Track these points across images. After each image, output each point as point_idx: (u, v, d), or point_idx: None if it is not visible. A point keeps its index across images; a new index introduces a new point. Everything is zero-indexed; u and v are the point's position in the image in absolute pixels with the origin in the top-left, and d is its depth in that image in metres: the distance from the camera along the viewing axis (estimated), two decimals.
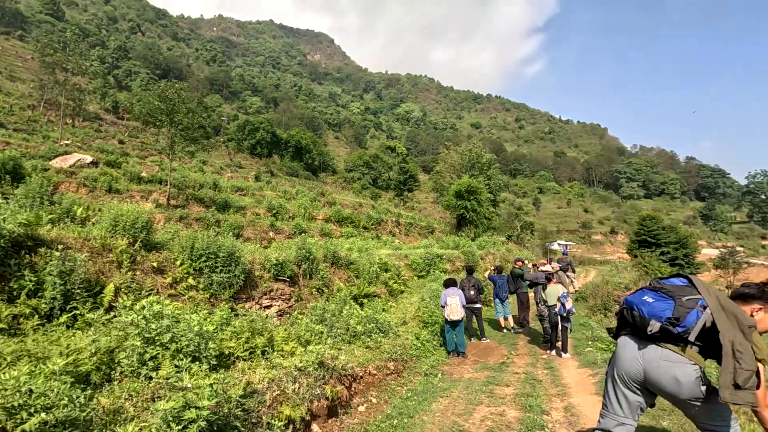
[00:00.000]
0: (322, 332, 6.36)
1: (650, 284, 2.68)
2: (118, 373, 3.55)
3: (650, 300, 2.55)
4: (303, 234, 15.93)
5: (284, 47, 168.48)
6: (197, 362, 3.66)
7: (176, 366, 3.47)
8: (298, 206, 26.27)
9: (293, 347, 5.32)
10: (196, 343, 3.78)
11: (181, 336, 3.84)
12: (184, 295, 7.05)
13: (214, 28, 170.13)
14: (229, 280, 7.72)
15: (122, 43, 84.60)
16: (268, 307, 8.50)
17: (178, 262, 7.47)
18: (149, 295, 6.11)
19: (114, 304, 5.31)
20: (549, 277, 8.50)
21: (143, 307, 3.98)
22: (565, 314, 7.69)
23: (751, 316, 2.44)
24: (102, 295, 5.63)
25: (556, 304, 7.87)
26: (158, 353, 3.65)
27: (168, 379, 3.24)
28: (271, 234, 18.87)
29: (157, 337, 3.69)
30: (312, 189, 39.00)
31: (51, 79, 36.21)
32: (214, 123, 65.69)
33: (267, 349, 5.01)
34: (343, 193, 44.35)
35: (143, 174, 22.60)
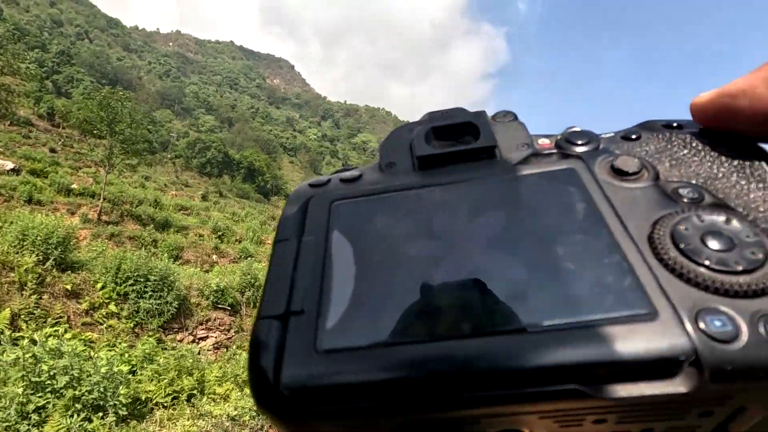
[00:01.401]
0: None
1: None
2: None
3: None
4: (250, 258, 14.97)
5: (243, 69, 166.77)
6: (101, 413, 2.93)
7: (71, 419, 2.74)
8: (246, 229, 25.03)
9: (228, 389, 4.60)
10: (101, 389, 3.04)
11: (85, 379, 3.10)
12: (101, 324, 6.08)
13: (171, 43, 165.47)
14: (160, 307, 6.81)
15: (66, 48, 79.62)
16: (204, 338, 7.60)
17: (99, 285, 6.50)
18: (57, 323, 5.16)
19: None
20: None
21: (34, 342, 3.19)
22: None
23: None
24: None
25: None
26: (48, 402, 2.88)
27: None
28: (214, 257, 17.62)
29: (48, 382, 2.92)
30: (263, 212, 37.62)
31: None
32: (163, 138, 62.50)
33: (195, 392, 4.28)
34: None
35: (74, 186, 20.56)
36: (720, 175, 0.22)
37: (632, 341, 0.15)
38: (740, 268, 0.17)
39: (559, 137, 0.25)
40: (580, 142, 0.24)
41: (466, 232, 0.21)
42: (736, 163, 0.22)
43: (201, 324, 7.63)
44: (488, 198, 0.22)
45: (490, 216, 0.22)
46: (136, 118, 19.77)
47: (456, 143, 0.26)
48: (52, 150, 35.77)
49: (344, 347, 0.17)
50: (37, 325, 4.90)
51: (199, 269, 11.77)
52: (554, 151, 0.24)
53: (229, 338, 7.83)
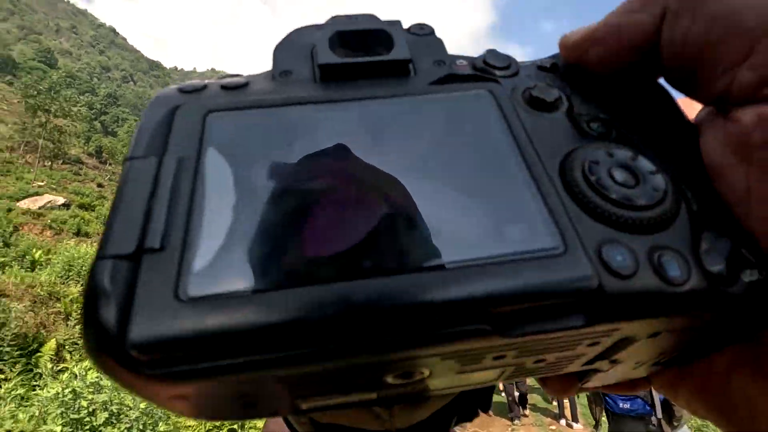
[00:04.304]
0: None
1: None
2: None
3: None
4: None
5: None
6: None
7: None
8: None
9: None
10: (140, 426, 2.89)
11: (125, 414, 2.95)
12: None
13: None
14: None
15: (113, 90, 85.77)
16: None
17: None
18: None
19: (37, 369, 4.31)
20: None
21: (75, 376, 3.09)
22: None
23: None
24: (39, 354, 4.65)
25: None
26: None
27: None
28: None
29: (87, 419, 2.79)
30: None
31: (33, 121, 35.79)
32: None
33: (236, 427, 4.06)
34: None
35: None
36: (625, 110, 0.22)
37: (543, 276, 0.16)
38: (642, 203, 0.17)
39: (476, 59, 0.24)
40: (498, 66, 0.23)
41: (368, 159, 0.19)
42: (638, 100, 0.22)
43: None
44: (397, 120, 0.21)
45: (396, 141, 0.20)
46: None
47: (365, 54, 0.23)
48: (100, 185, 38.01)
49: (218, 293, 0.14)
50: (80, 355, 4.88)
51: None
52: (471, 73, 0.23)
53: None
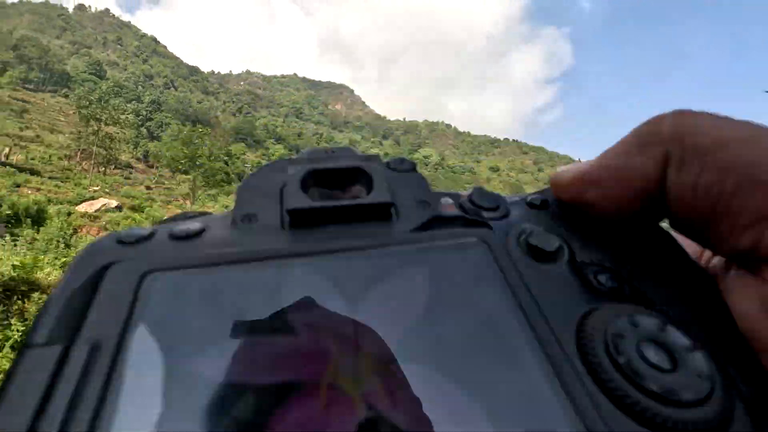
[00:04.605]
0: None
1: None
2: None
3: None
4: None
5: (307, 98, 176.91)
6: None
7: None
8: None
9: None
10: None
11: None
12: None
13: (242, 83, 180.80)
14: None
15: (156, 97, 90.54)
16: None
17: None
18: None
19: None
20: None
21: None
22: None
23: None
24: None
25: None
26: None
27: None
28: None
29: None
30: None
31: (86, 130, 38.47)
32: (239, 170, 68.04)
33: None
34: None
35: (166, 217, 22.83)
36: (630, 258, 0.19)
37: None
38: (690, 397, 0.13)
39: (462, 198, 0.22)
40: (487, 207, 0.21)
41: (346, 337, 0.15)
42: (642, 245, 0.20)
43: None
44: (378, 280, 0.17)
45: (378, 308, 0.16)
46: (213, 152, 21.79)
47: (341, 194, 0.21)
48: (147, 187, 40.43)
49: None
50: None
51: None
52: (458, 214, 0.21)
53: None
